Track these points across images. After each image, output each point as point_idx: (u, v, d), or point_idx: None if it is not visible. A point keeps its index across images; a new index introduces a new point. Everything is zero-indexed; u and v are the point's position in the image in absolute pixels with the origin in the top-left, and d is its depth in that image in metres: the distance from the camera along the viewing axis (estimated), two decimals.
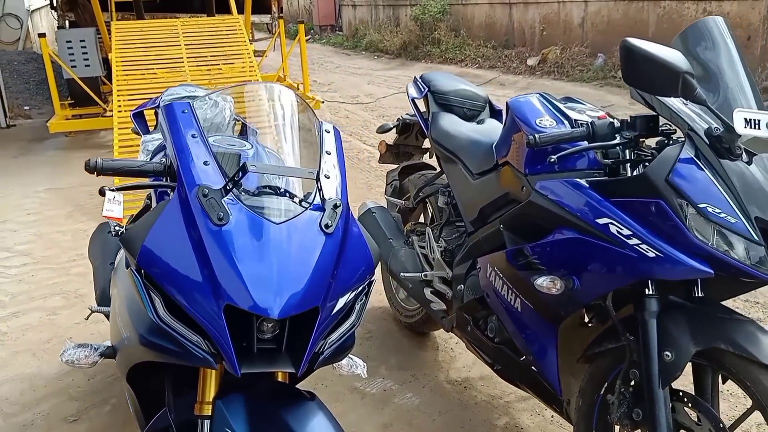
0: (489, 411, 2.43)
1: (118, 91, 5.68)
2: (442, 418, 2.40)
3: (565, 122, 2.00)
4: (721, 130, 1.54)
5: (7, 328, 3.15)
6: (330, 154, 1.56)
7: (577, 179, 1.80)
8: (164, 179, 1.49)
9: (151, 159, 2.00)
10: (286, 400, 1.47)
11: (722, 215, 1.51)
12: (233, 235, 1.32)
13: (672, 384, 1.67)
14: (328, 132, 1.62)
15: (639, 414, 1.72)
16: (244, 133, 2.02)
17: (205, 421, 1.42)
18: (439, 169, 2.73)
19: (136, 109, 2.63)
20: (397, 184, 3.06)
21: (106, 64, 7.41)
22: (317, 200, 1.44)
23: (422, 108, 2.84)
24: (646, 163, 1.72)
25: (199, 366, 1.36)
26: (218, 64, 6.46)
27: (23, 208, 4.92)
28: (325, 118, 7.84)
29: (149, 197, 2.58)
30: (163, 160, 1.49)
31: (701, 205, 1.52)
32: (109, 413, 2.49)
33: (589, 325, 2.03)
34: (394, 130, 3.11)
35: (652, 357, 1.66)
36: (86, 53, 7.20)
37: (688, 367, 1.69)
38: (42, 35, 6.90)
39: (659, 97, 1.71)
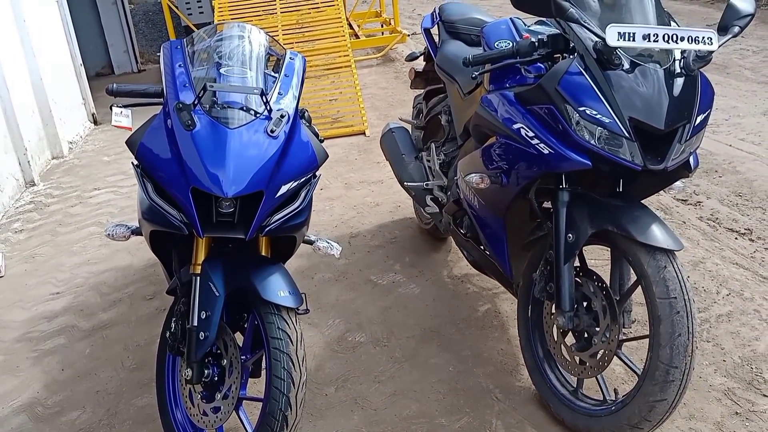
0: (476, 299, 2.81)
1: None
2: (434, 304, 2.81)
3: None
4: (602, 44, 1.77)
5: None
6: (288, 76, 1.98)
7: (506, 91, 2.08)
8: (162, 99, 1.99)
9: None
10: (254, 264, 1.96)
11: (598, 116, 1.77)
12: (198, 137, 1.79)
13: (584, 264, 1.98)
14: (292, 59, 2.04)
15: (551, 287, 2.04)
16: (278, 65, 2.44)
17: (197, 277, 1.94)
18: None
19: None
20: (421, 106, 3.40)
21: None
22: (264, 112, 1.87)
23: (437, 38, 3.14)
24: (543, 75, 1.98)
25: (177, 231, 1.87)
26: (315, 3, 6.89)
27: None
28: (410, 49, 8.11)
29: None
30: (162, 84, 1.99)
31: (581, 108, 1.79)
32: None
33: (532, 218, 2.33)
34: (421, 57, 3.43)
35: (561, 239, 1.97)
36: (200, 1, 7.95)
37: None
38: None
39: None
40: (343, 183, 4.20)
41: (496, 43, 2.29)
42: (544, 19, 2.46)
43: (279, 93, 1.93)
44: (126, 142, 1.93)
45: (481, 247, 2.46)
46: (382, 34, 8.48)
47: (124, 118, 2.00)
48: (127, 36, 8.89)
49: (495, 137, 2.13)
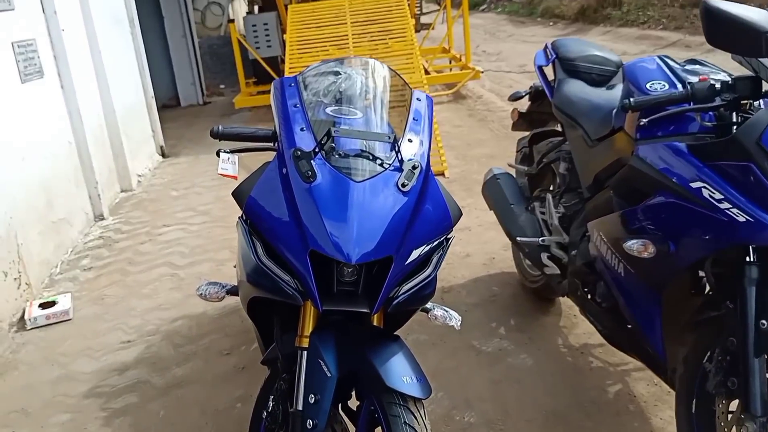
0: (603, 377, 2.43)
1: (290, 68, 6.18)
2: (553, 380, 2.44)
3: (679, 86, 1.92)
4: None
5: (185, 274, 3.69)
6: (417, 120, 1.69)
7: (676, 143, 1.75)
8: (274, 144, 1.72)
9: None
10: (372, 340, 1.65)
11: None
12: (319, 191, 1.51)
13: None
14: (419, 100, 1.75)
15: (734, 383, 1.66)
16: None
17: (303, 351, 1.64)
18: (563, 136, 2.72)
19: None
20: (527, 150, 3.08)
21: (285, 44, 8.06)
22: (395, 163, 1.58)
23: (550, 76, 2.83)
24: (739, 127, 1.64)
25: (290, 301, 1.58)
26: (384, 40, 6.73)
27: (208, 174, 5.60)
28: (485, 87, 7.85)
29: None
30: (273, 127, 1.72)
31: None
32: (255, 350, 2.86)
33: (695, 294, 1.96)
34: (526, 97, 3.13)
35: (749, 325, 1.60)
36: (268, 35, 7.89)
37: None
38: (231, 21, 7.68)
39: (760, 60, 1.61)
40: None
41: (649, 84, 1.96)
42: (698, 60, 2.15)
43: (408, 140, 1.63)
44: (233, 194, 1.66)
45: (624, 321, 2.09)
46: (451, 70, 8.26)
47: (231, 166, 1.74)
48: (194, 69, 8.93)
49: (657, 196, 1.79)
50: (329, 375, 1.58)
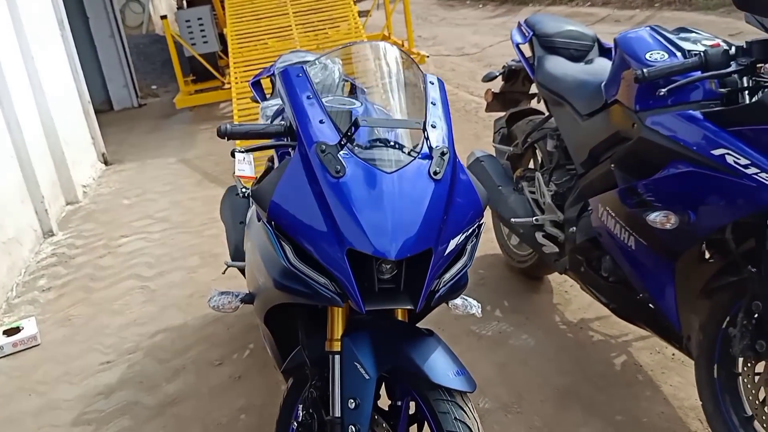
0: (606, 350, 2.45)
1: (234, 63, 5.98)
2: (558, 358, 2.45)
3: (678, 54, 1.93)
4: None
5: (156, 286, 3.51)
6: (435, 104, 1.62)
7: (691, 111, 1.75)
8: (285, 139, 1.62)
9: (271, 122, 2.16)
10: (407, 336, 1.59)
11: None
12: (350, 185, 1.43)
13: None
14: (433, 84, 1.68)
15: (763, 345, 1.69)
16: (353, 92, 2.12)
17: (336, 355, 1.56)
18: (546, 113, 2.72)
19: (253, 78, 2.81)
20: (505, 131, 3.07)
21: (222, 39, 7.80)
22: (425, 149, 1.51)
23: (527, 53, 2.82)
24: (766, 89, 1.65)
25: (328, 305, 1.50)
26: (324, 29, 6.61)
27: (159, 179, 5.36)
28: (429, 71, 7.84)
29: (271, 159, 2.78)
30: (283, 122, 1.62)
31: None
32: (248, 357, 2.75)
33: (709, 260, 1.99)
34: (500, 77, 3.11)
35: None
36: (204, 30, 7.58)
37: None
38: (164, 17, 7.36)
39: None
40: None
41: (648, 54, 1.96)
42: (688, 27, 2.17)
43: (432, 125, 1.57)
44: (253, 196, 1.55)
45: (633, 293, 2.10)
46: None
47: (247, 166, 1.62)
48: (126, 70, 8.54)
49: (672, 166, 1.79)
50: (368, 377, 1.51)
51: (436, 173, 1.48)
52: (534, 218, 2.60)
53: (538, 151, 2.90)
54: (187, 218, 4.41)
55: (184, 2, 8.99)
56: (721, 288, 1.83)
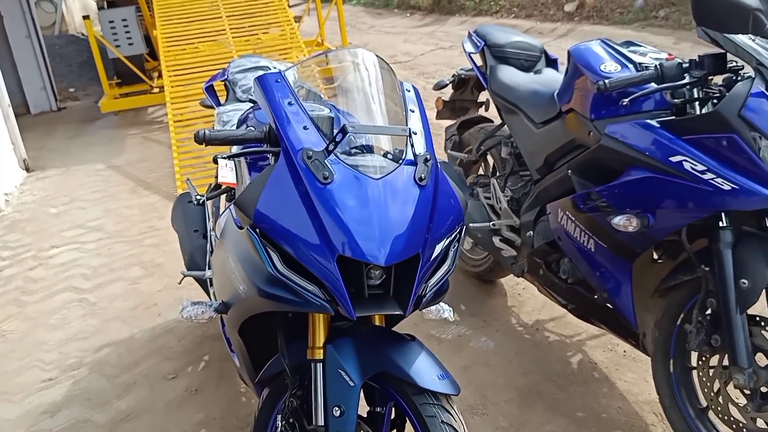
0: (563, 349, 2.55)
1: (167, 66, 5.81)
2: (518, 359, 2.52)
3: (630, 66, 2.04)
4: None
5: (95, 298, 3.36)
6: (414, 112, 1.65)
7: (647, 120, 1.85)
8: (264, 146, 1.60)
9: (237, 128, 2.12)
10: (390, 341, 1.60)
11: None
12: (339, 192, 1.42)
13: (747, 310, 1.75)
14: (409, 91, 1.70)
15: (717, 340, 1.80)
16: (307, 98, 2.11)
17: (318, 363, 1.55)
18: (499, 121, 2.80)
19: (206, 82, 2.75)
20: (457, 138, 3.13)
21: (148, 41, 7.56)
22: (409, 156, 1.53)
23: (479, 62, 2.89)
24: (715, 101, 1.77)
25: (317, 312, 1.49)
26: (257, 33, 6.53)
27: (88, 186, 5.13)
28: None
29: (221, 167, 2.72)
30: (264, 128, 1.59)
31: None
32: (204, 370, 2.68)
33: (659, 261, 2.10)
34: (450, 85, 3.17)
35: (729, 285, 1.74)
36: (129, 32, 7.32)
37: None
38: (86, 17, 7.07)
39: (727, 35, 1.74)
40: None
41: (602, 66, 2.06)
42: (634, 41, 2.29)
43: (413, 132, 1.59)
44: (236, 204, 1.51)
45: (590, 294, 2.20)
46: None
47: (229, 172, 1.58)
48: (43, 72, 8.14)
49: (631, 172, 1.88)
50: (352, 384, 1.51)
51: (421, 179, 1.50)
52: (491, 223, 2.67)
53: (490, 158, 2.98)
54: (124, 227, 4.24)
55: (105, 2, 8.67)
56: (675, 287, 1.95)
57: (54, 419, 2.46)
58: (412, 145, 1.54)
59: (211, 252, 2.52)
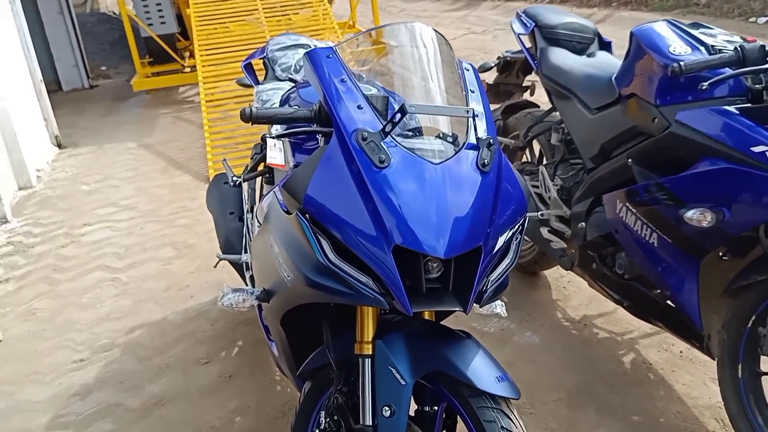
0: (613, 347, 2.42)
1: (199, 46, 5.74)
2: (566, 356, 2.40)
3: (701, 48, 1.90)
4: None
5: (127, 278, 3.31)
6: (474, 92, 1.53)
7: (725, 107, 1.71)
8: (313, 125, 1.50)
9: (280, 107, 2.02)
10: (443, 338, 1.49)
11: None
12: (396, 177, 1.32)
13: None
14: (468, 70, 1.58)
15: None
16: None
17: (366, 359, 1.45)
18: (547, 107, 2.66)
19: (246, 59, 2.65)
20: (501, 123, 3.00)
21: (180, 20, 7.49)
22: (471, 139, 1.42)
23: (528, 44, 2.75)
24: None
25: (370, 305, 1.39)
26: (288, 14, 6.42)
27: (119, 165, 5.10)
28: None
29: (257, 147, 2.63)
30: (314, 106, 1.49)
31: None
32: (238, 355, 2.61)
33: (725, 258, 1.96)
34: (494, 68, 3.04)
35: None
36: (161, 10, 7.26)
37: None
38: None
39: None
40: None
41: (671, 48, 1.92)
42: (701, 23, 2.14)
43: (475, 114, 1.47)
44: (284, 187, 1.41)
45: (650, 291, 2.07)
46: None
47: (278, 153, 1.48)
48: (76, 49, 8.12)
49: (703, 163, 1.75)
50: (404, 383, 1.40)
51: (484, 165, 1.39)
52: (539, 213, 2.54)
53: (536, 144, 2.85)
54: (156, 206, 4.19)
55: None
56: (747, 287, 1.81)
57: (85, 402, 2.40)
58: (475, 128, 1.42)
59: (248, 235, 2.44)
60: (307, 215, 1.37)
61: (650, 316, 2.14)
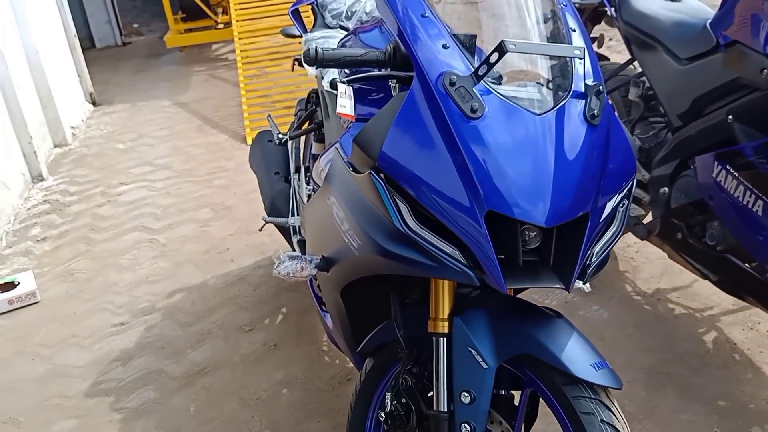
0: (692, 325, 2.21)
1: (234, 0, 5.51)
2: (639, 333, 2.20)
3: None
4: None
5: (165, 239, 3.18)
6: (575, 31, 1.31)
7: None
8: (387, 69, 1.29)
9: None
10: (530, 318, 1.30)
11: None
12: (491, 129, 1.11)
13: None
14: (565, 5, 1.36)
15: None
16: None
17: (442, 338, 1.28)
18: (628, 58, 2.41)
19: (293, 5, 2.43)
20: None
21: None
22: (578, 86, 1.20)
23: None
24: None
25: (455, 280, 1.21)
26: None
27: (154, 123, 4.96)
28: None
29: (301, 103, 2.43)
30: (388, 47, 1.28)
31: None
32: (282, 323, 2.46)
33: None
34: None
35: None
36: None
37: None
38: None
39: None
40: None
41: None
42: None
43: (579, 57, 1.25)
44: (355, 141, 1.22)
45: (748, 265, 1.85)
46: None
47: (348, 101, 1.29)
48: (109, 5, 7.96)
49: None
50: (485, 366, 1.23)
51: (594, 116, 1.18)
52: None
53: (609, 101, 2.60)
54: (192, 166, 4.04)
55: None
56: None
57: (125, 368, 2.29)
58: (584, 73, 1.20)
59: (295, 197, 2.27)
60: (382, 175, 1.17)
61: (744, 292, 1.92)
